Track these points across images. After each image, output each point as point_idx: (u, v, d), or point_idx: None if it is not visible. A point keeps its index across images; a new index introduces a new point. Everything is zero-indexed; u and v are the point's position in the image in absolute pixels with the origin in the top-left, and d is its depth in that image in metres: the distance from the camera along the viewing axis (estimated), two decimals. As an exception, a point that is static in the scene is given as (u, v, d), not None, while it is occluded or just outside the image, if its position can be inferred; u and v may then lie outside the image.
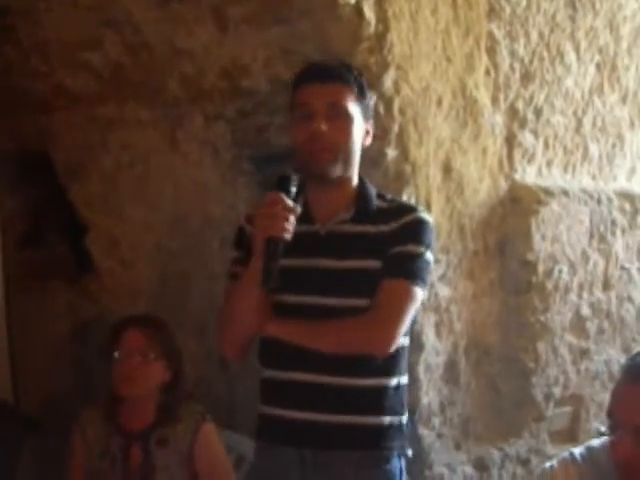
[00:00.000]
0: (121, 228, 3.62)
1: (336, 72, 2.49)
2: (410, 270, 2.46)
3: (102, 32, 3.39)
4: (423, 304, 3.21)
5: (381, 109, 3.07)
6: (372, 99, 2.64)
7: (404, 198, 3.11)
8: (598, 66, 3.93)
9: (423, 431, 3.29)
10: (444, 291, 3.29)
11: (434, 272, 3.23)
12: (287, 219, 2.35)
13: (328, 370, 2.46)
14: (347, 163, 2.49)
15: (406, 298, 2.45)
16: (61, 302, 3.83)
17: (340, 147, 2.45)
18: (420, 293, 2.48)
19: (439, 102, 3.25)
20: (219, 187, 3.40)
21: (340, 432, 2.46)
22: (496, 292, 3.48)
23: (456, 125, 3.31)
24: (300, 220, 2.47)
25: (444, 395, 3.35)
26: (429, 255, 2.50)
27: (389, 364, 2.50)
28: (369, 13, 3.03)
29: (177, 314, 3.51)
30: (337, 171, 2.47)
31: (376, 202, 2.56)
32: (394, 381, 2.52)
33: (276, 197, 2.37)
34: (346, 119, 2.46)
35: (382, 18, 3.06)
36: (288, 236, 2.35)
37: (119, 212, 3.60)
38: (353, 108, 2.47)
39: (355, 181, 2.57)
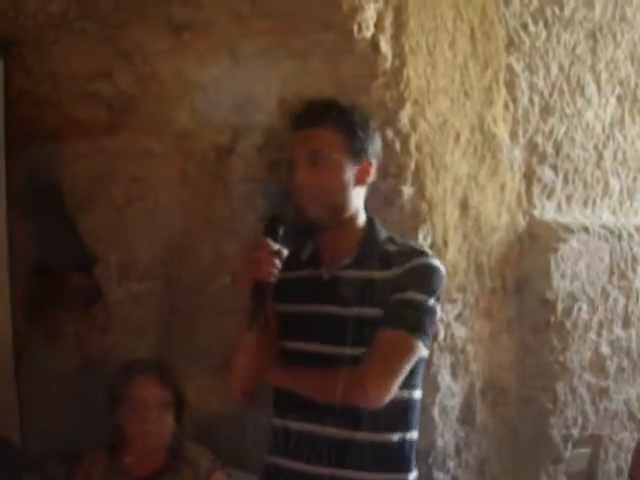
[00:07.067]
0: (130, 261, 3.54)
1: (317, 117, 2.43)
2: (409, 320, 2.38)
3: (112, 62, 3.33)
4: (439, 344, 3.15)
5: (397, 146, 2.99)
6: (371, 133, 2.49)
7: (420, 237, 3.03)
8: (619, 98, 3.85)
9: (438, 475, 3.20)
10: (460, 331, 3.20)
11: (450, 312, 3.16)
12: (272, 263, 2.34)
13: (330, 422, 2.41)
14: (338, 208, 2.44)
15: (402, 351, 2.37)
16: (69, 333, 3.75)
17: (324, 194, 2.41)
18: (419, 345, 2.38)
19: (457, 138, 3.17)
20: (230, 222, 3.33)
21: None
22: (514, 331, 3.39)
23: (474, 161, 3.23)
24: (307, 264, 2.49)
25: (460, 437, 3.26)
26: (432, 303, 2.40)
27: (391, 418, 2.42)
28: (385, 47, 2.96)
29: (187, 349, 3.45)
30: (327, 218, 2.44)
31: (384, 245, 2.47)
32: (396, 437, 2.44)
33: (261, 242, 2.38)
34: (329, 165, 2.41)
35: (399, 53, 2.99)
36: (274, 279, 2.36)
37: (128, 245, 3.53)
38: (338, 152, 2.41)
39: (361, 223, 2.50)
